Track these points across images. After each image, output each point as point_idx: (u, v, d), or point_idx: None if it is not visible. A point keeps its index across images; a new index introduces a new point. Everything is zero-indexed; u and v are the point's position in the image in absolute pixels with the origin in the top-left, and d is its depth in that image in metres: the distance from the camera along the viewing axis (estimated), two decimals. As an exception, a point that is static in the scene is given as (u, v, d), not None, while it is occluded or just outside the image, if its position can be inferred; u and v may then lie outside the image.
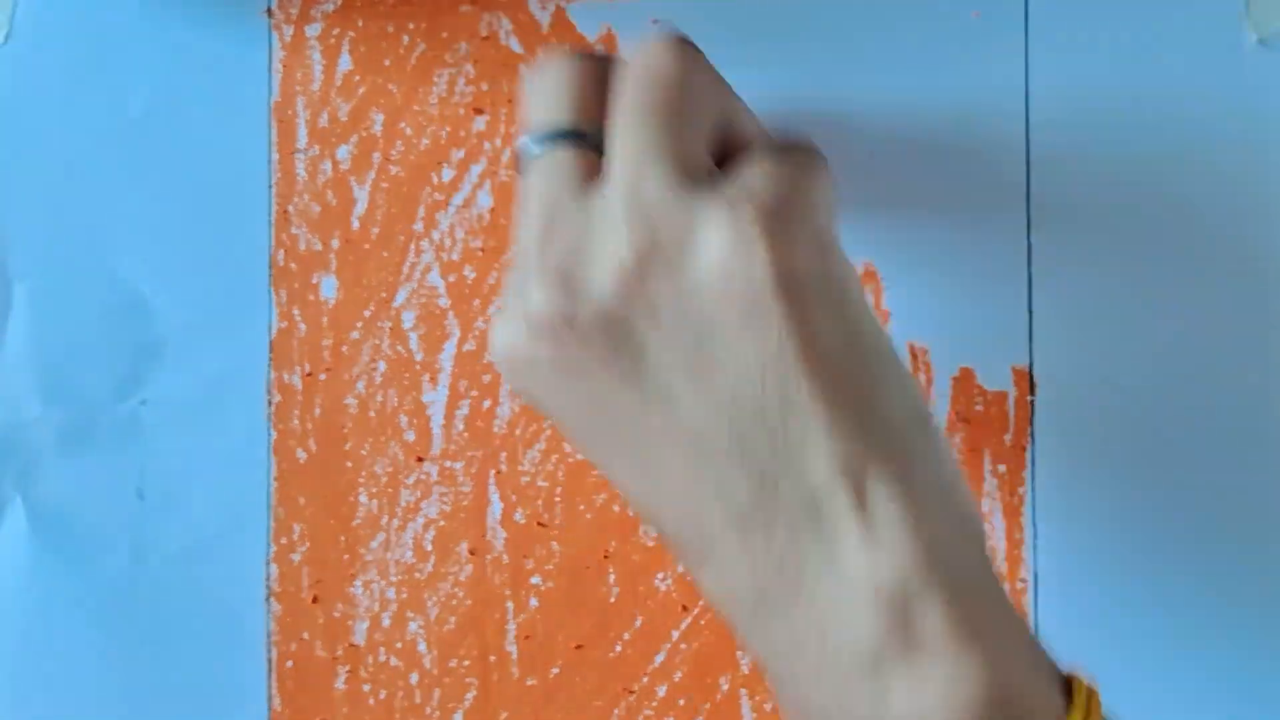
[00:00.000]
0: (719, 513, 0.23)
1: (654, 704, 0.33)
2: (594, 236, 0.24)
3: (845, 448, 0.23)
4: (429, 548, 0.33)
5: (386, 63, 0.34)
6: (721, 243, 0.23)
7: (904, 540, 0.22)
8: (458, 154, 0.34)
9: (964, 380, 0.32)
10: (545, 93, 0.26)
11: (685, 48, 0.25)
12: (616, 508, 0.33)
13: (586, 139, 0.25)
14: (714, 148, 0.26)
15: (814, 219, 0.24)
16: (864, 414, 0.23)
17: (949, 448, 0.25)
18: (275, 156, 0.34)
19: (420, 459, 0.33)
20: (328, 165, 0.34)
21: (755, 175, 0.24)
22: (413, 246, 0.34)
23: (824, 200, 0.25)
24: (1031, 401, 0.32)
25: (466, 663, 0.33)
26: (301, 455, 0.33)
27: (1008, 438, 0.32)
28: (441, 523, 0.33)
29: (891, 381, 0.24)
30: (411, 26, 0.34)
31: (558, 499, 0.33)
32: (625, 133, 0.25)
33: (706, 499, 0.24)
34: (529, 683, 0.33)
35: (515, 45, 0.34)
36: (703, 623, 0.33)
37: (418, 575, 0.33)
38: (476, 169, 0.33)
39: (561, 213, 0.25)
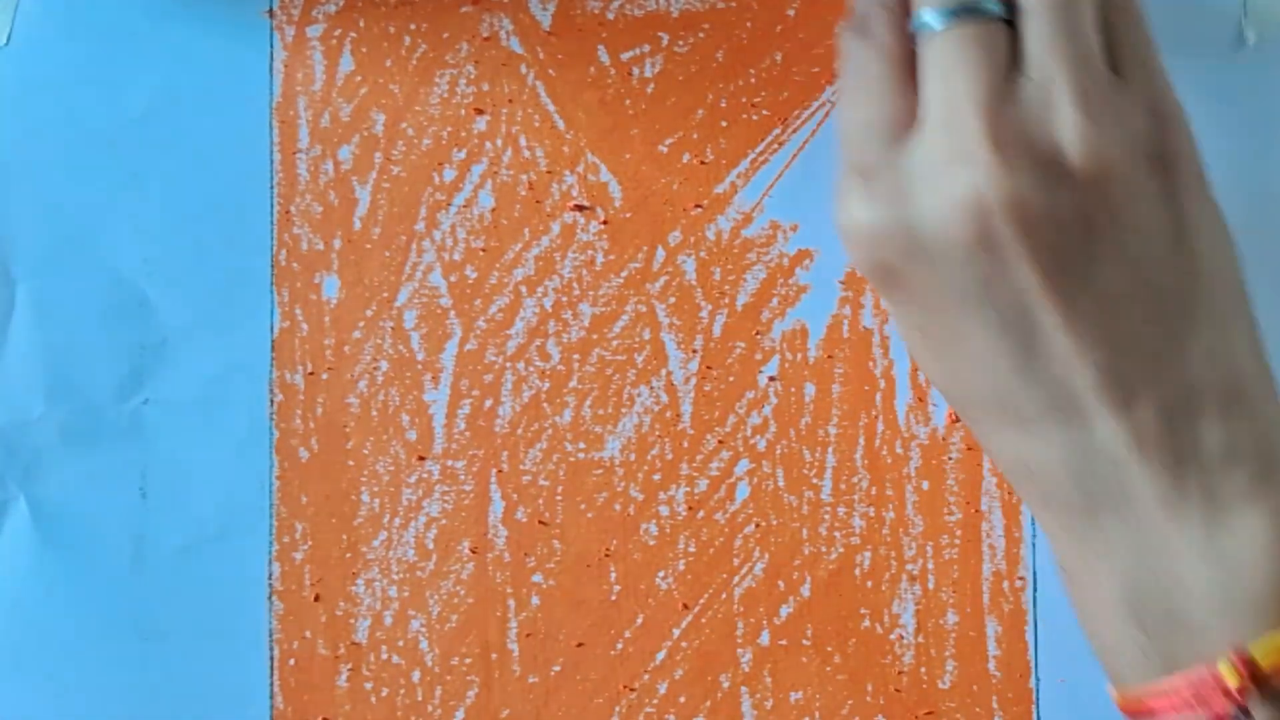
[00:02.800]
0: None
1: (655, 702, 0.33)
2: (1048, 119, 0.25)
3: (1235, 361, 0.26)
4: (431, 546, 0.33)
5: (388, 63, 0.34)
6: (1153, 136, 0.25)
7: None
8: (459, 154, 0.34)
9: (963, 379, 0.33)
10: None
11: None
12: (617, 506, 0.33)
13: (996, 12, 0.26)
14: None
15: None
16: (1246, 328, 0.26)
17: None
18: (277, 157, 0.34)
19: (422, 458, 0.33)
20: (329, 165, 0.34)
21: (1154, 72, 0.26)
22: (414, 246, 0.34)
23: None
24: (1030, 400, 0.32)
25: (468, 661, 0.33)
26: (303, 454, 0.34)
27: (1007, 437, 0.32)
28: (443, 521, 0.33)
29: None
30: (413, 27, 0.34)
31: (559, 498, 0.33)
32: (1067, 13, 0.25)
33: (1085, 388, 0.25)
34: (530, 680, 0.33)
35: (516, 46, 0.34)
36: (703, 621, 0.33)
37: (419, 573, 0.33)
38: (478, 169, 0.34)
39: (1000, 91, 0.25)
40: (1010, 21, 0.26)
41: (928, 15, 0.26)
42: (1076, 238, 0.25)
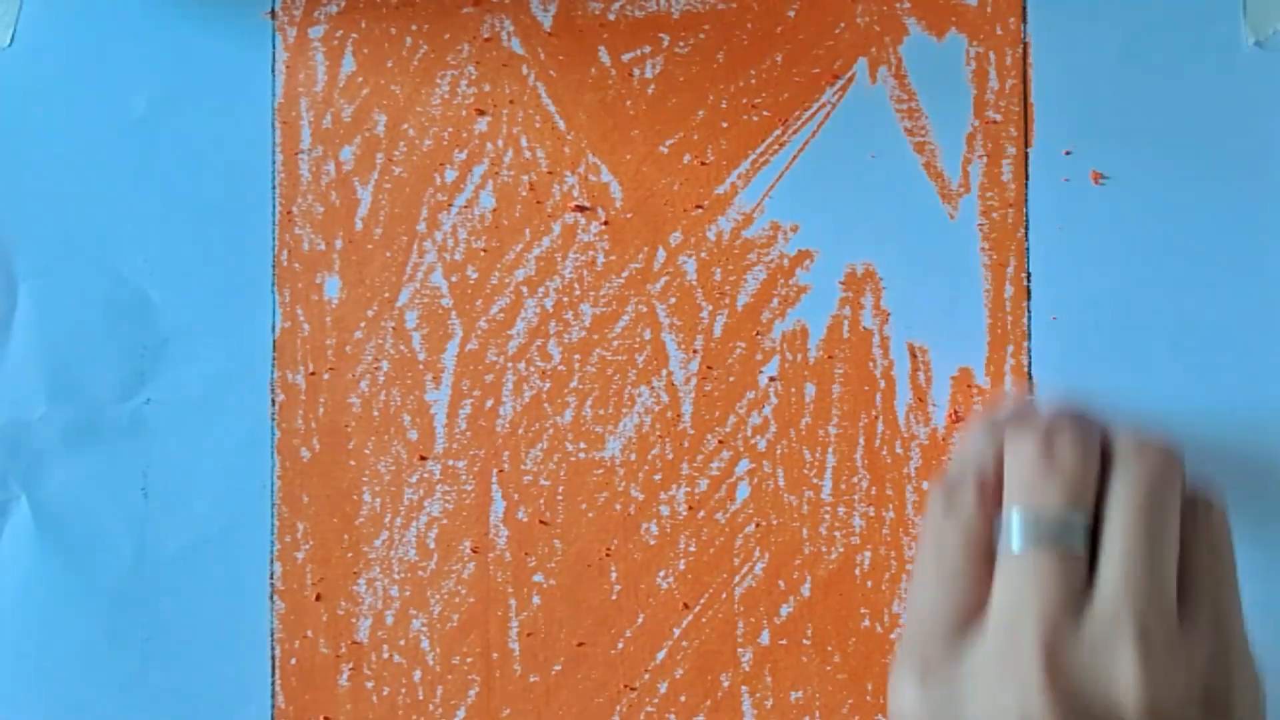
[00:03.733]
0: None
1: (655, 701, 0.33)
2: (1108, 664, 0.24)
3: None
4: (432, 546, 0.33)
5: (389, 64, 0.34)
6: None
7: None
8: (460, 155, 0.34)
9: (963, 380, 0.33)
10: (1062, 465, 0.26)
11: (1176, 467, 0.27)
12: (618, 506, 0.33)
13: (1082, 531, 0.26)
14: None
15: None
16: None
17: None
18: (279, 157, 0.34)
19: (423, 458, 0.33)
20: (331, 166, 0.34)
21: (1218, 611, 0.26)
22: (415, 247, 0.34)
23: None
24: (1030, 401, 0.32)
25: (469, 660, 0.33)
26: (305, 454, 0.34)
27: (1006, 437, 0.32)
28: (444, 521, 0.33)
29: None
30: (414, 28, 0.34)
31: (559, 497, 0.33)
32: (1148, 547, 0.25)
33: None
34: (531, 680, 0.33)
35: (517, 47, 0.34)
36: (704, 620, 0.33)
37: (420, 573, 0.33)
38: (479, 170, 0.34)
39: (1066, 626, 0.25)
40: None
41: (1015, 530, 0.26)
42: None
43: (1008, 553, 0.26)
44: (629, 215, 0.33)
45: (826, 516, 0.33)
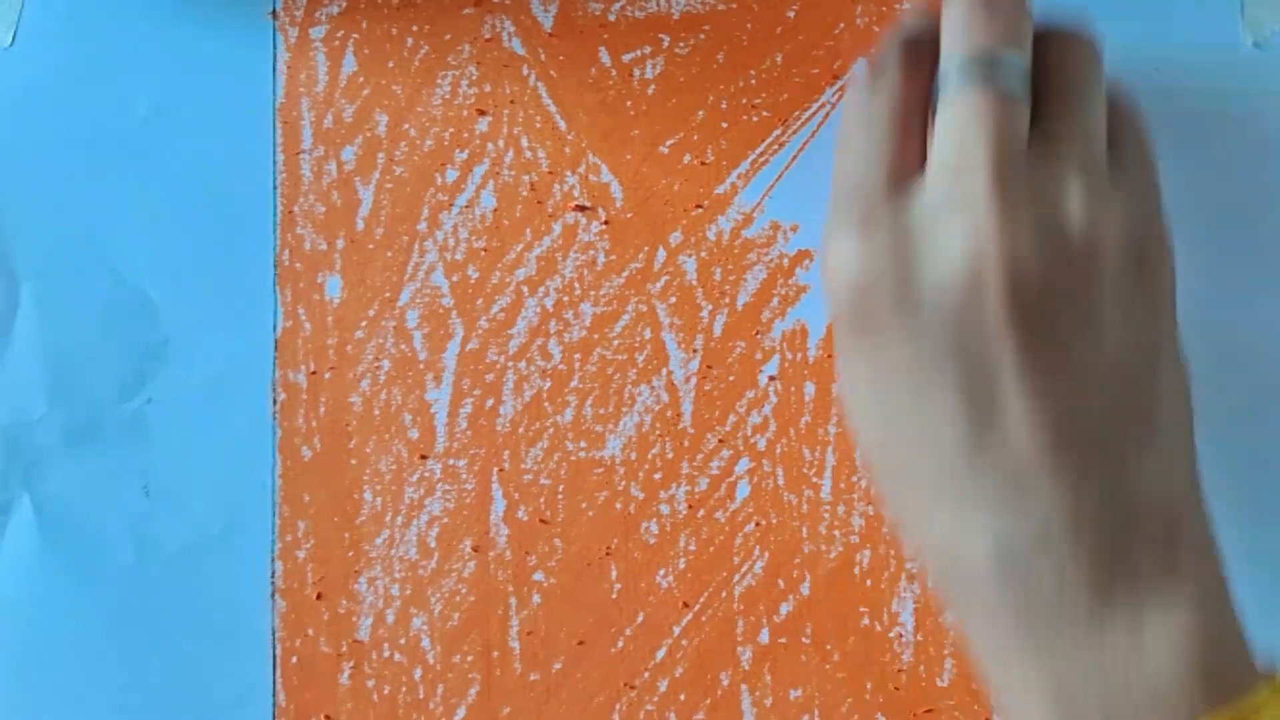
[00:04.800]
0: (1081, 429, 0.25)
1: (655, 699, 0.33)
2: (1060, 192, 0.25)
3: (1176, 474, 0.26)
4: (432, 544, 0.33)
5: (390, 64, 0.34)
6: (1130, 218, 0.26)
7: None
8: (461, 155, 0.34)
9: (962, 379, 0.33)
10: (1000, 4, 0.27)
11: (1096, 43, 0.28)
12: (618, 505, 0.33)
13: (1022, 73, 0.26)
14: None
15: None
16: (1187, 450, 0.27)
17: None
18: (280, 157, 0.34)
19: (424, 456, 0.34)
20: (332, 166, 0.34)
21: (1137, 151, 0.27)
22: (416, 246, 0.34)
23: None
24: (1029, 400, 0.32)
25: (470, 658, 0.33)
26: (306, 453, 0.34)
27: (1006, 436, 0.33)
28: (445, 520, 0.33)
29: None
30: (415, 29, 0.34)
31: (560, 496, 0.33)
32: (1082, 104, 0.26)
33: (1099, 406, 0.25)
34: (531, 678, 0.33)
35: (518, 47, 0.34)
36: (703, 619, 0.33)
37: (421, 572, 0.33)
38: (480, 170, 0.34)
39: (1015, 161, 0.25)
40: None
41: (955, 71, 0.26)
42: (1060, 308, 0.25)
43: (948, 98, 0.26)
44: (629, 215, 0.34)
45: (826, 515, 0.33)
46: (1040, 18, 0.28)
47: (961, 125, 0.26)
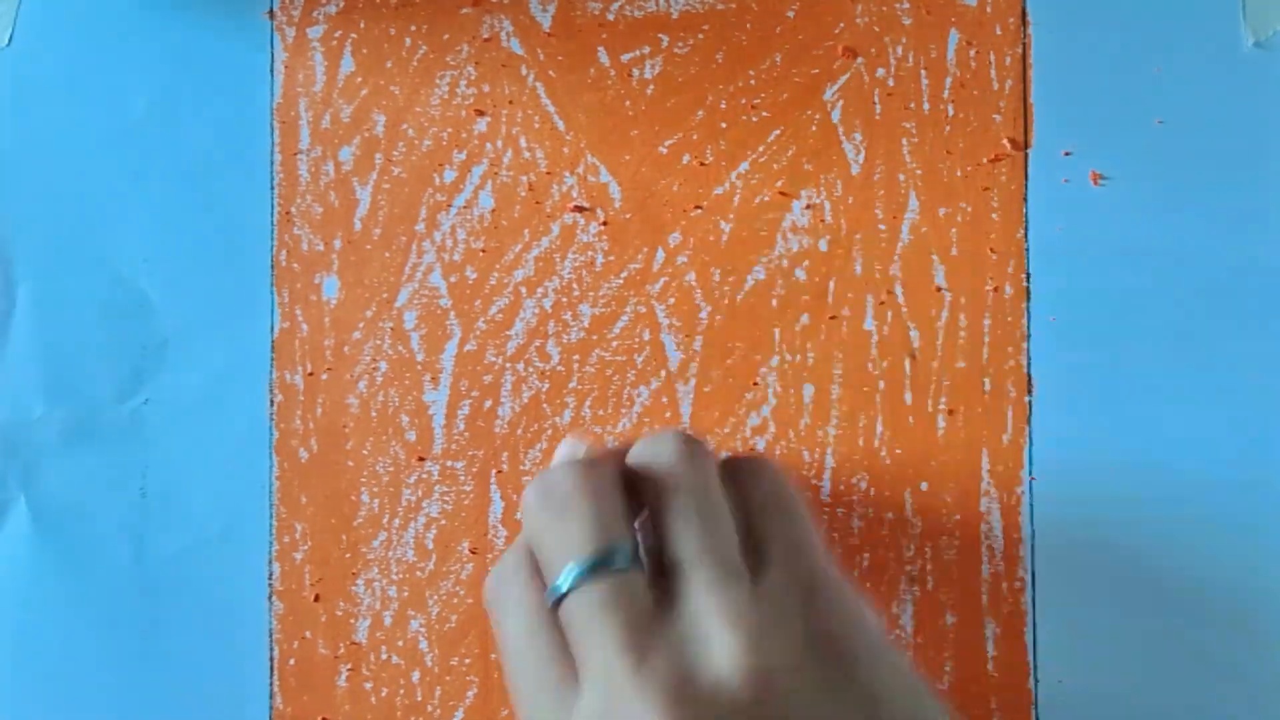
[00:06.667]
0: None
1: (654, 702, 0.33)
2: (702, 650, 0.24)
3: None
4: (430, 546, 0.33)
5: (388, 64, 0.34)
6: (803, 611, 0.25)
7: None
8: (459, 155, 0.34)
9: (963, 380, 0.33)
10: (575, 518, 0.25)
11: (695, 445, 0.26)
12: (617, 507, 0.33)
13: (628, 555, 0.25)
14: None
15: (829, 560, 0.26)
16: None
17: None
18: (278, 158, 0.34)
19: (421, 458, 0.33)
20: (330, 166, 0.34)
21: (788, 552, 0.25)
22: (414, 247, 0.34)
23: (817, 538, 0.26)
24: (1029, 402, 0.32)
25: (468, 661, 0.33)
26: (303, 454, 0.34)
27: (1005, 437, 0.32)
28: (443, 522, 0.33)
29: None
30: (413, 29, 0.34)
31: (558, 498, 0.33)
32: (694, 550, 0.25)
33: None
34: (530, 681, 0.33)
35: (516, 47, 0.34)
36: (702, 621, 0.33)
37: (419, 574, 0.33)
38: (478, 170, 0.34)
39: (647, 635, 0.24)
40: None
41: (560, 580, 0.25)
42: None
43: (567, 605, 0.25)
44: (628, 216, 0.33)
45: (825, 517, 0.33)
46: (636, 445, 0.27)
47: (585, 633, 0.25)
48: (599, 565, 0.25)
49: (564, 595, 0.25)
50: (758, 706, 0.23)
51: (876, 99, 0.33)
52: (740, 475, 0.27)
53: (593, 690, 0.24)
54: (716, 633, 0.24)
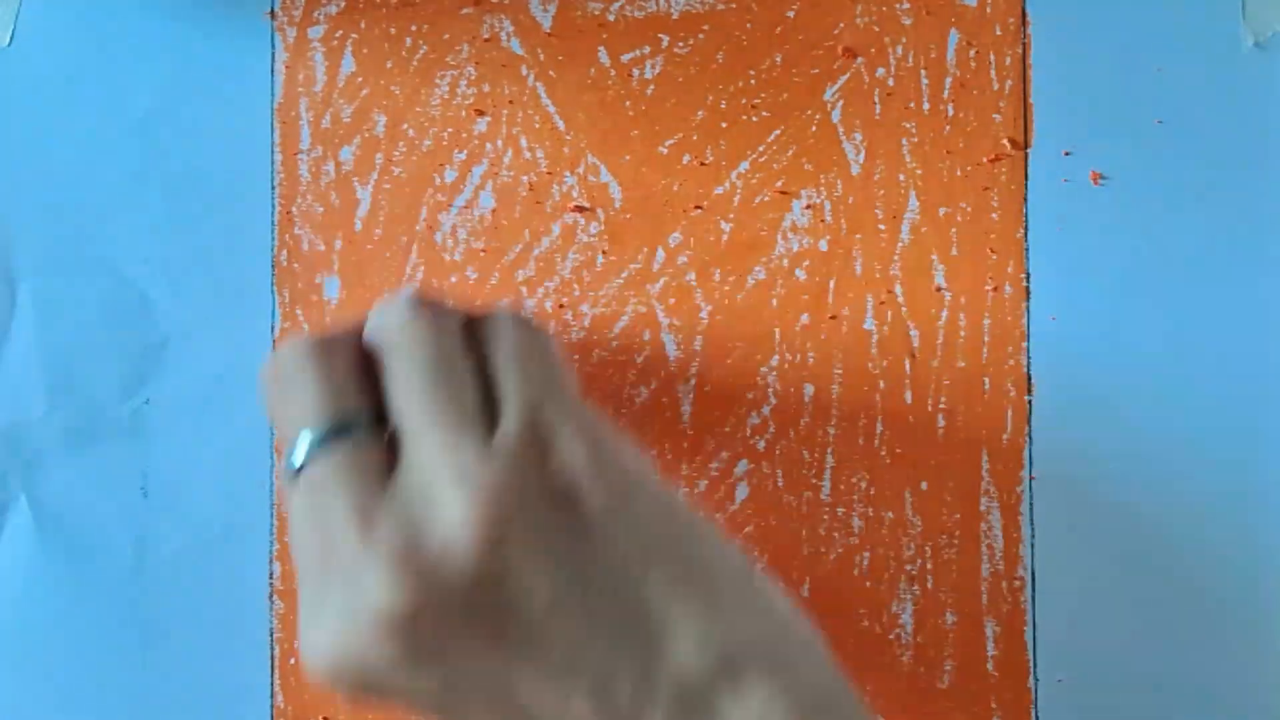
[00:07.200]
0: None
1: (654, 701, 0.33)
2: (428, 514, 0.23)
3: (720, 634, 0.24)
4: (431, 546, 0.33)
5: (389, 64, 0.34)
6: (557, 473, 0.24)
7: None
8: (460, 155, 0.34)
9: (962, 380, 0.33)
10: (302, 389, 0.25)
11: (426, 305, 0.25)
12: (617, 506, 0.33)
13: (361, 424, 0.25)
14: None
15: (580, 412, 0.25)
16: (729, 601, 0.24)
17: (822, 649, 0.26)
18: (278, 157, 0.34)
19: (422, 458, 0.33)
20: (331, 166, 0.34)
21: (522, 406, 0.24)
22: (415, 247, 0.34)
23: (569, 381, 0.25)
24: (1029, 401, 0.32)
25: (468, 660, 0.33)
26: (304, 454, 0.34)
27: (1005, 437, 0.33)
28: (443, 521, 0.33)
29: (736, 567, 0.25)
30: (413, 29, 0.34)
31: (559, 498, 0.33)
32: (418, 412, 0.24)
33: (585, 716, 0.23)
34: (530, 680, 0.33)
35: (517, 47, 0.34)
36: (703, 620, 0.33)
37: (420, 573, 0.33)
38: (478, 170, 0.34)
39: (375, 503, 0.23)
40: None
41: (294, 454, 0.24)
42: (490, 617, 0.23)
43: (302, 479, 0.24)
44: (628, 216, 0.33)
45: (825, 517, 0.33)
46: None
47: (311, 509, 0.24)
48: (335, 435, 0.24)
49: (301, 469, 0.24)
50: (488, 564, 0.23)
51: (876, 99, 0.33)
52: (483, 332, 0.26)
53: (332, 558, 0.24)
54: (440, 494, 0.23)
